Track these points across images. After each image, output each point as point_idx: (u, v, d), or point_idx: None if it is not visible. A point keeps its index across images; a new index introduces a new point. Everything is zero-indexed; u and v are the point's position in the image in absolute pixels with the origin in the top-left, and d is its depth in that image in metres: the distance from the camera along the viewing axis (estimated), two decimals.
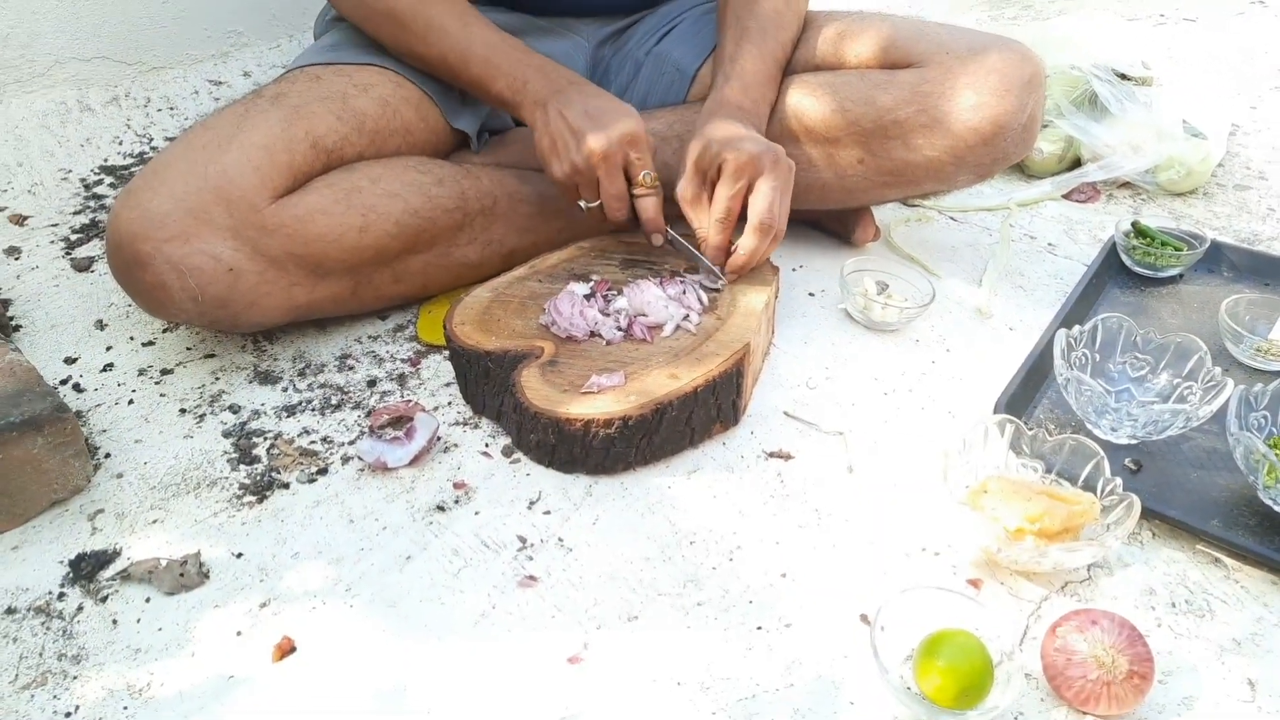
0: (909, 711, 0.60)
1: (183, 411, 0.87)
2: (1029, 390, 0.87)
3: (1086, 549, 0.66)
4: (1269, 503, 0.73)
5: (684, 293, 0.90)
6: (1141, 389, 0.86)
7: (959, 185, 1.02)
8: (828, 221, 1.15)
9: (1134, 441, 0.81)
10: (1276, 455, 0.73)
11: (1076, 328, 0.86)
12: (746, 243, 0.89)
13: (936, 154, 0.96)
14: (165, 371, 0.92)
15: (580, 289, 0.91)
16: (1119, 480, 0.71)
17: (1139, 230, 1.09)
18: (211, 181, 0.81)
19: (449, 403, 0.88)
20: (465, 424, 0.86)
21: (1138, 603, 0.68)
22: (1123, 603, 0.68)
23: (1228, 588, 0.69)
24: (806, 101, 0.99)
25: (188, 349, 0.95)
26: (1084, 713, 0.59)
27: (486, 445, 0.83)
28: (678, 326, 0.87)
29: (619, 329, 0.86)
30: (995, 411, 0.82)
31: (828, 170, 1.01)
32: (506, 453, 0.82)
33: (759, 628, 0.66)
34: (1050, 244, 1.17)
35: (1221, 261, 1.09)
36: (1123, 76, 1.41)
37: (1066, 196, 1.30)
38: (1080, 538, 0.69)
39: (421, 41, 0.94)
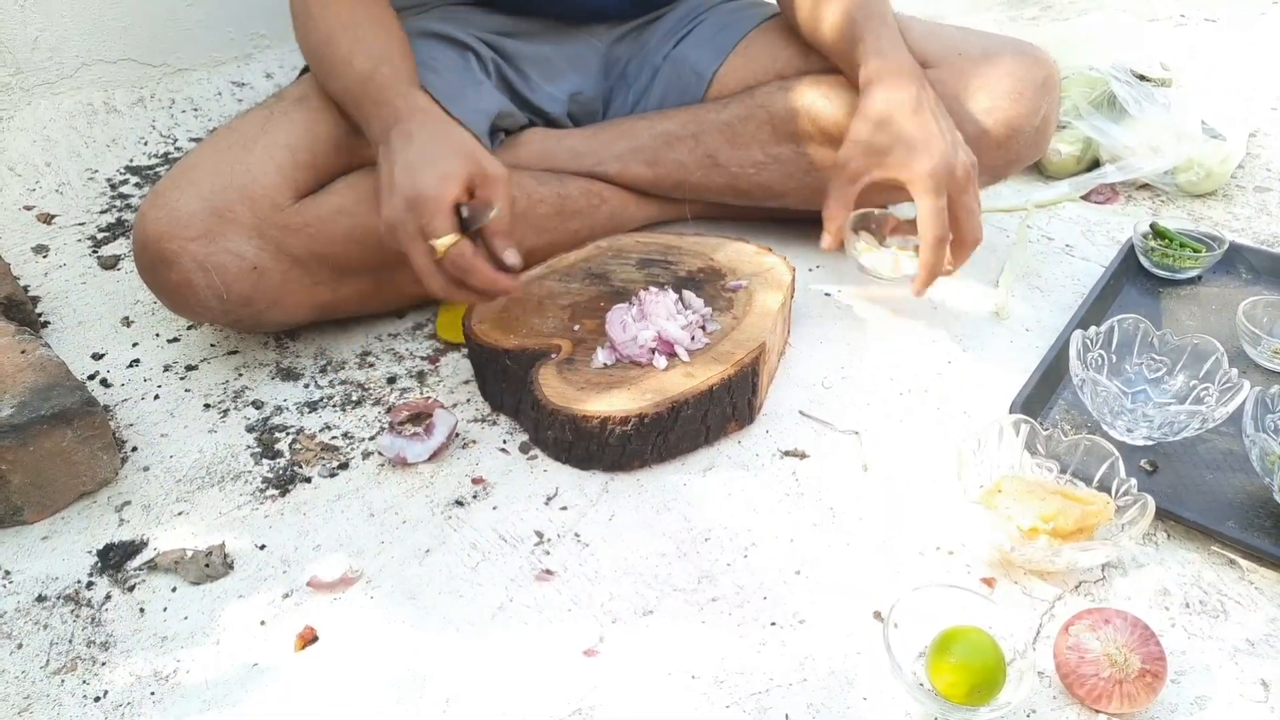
0: (921, 707, 0.61)
1: (207, 407, 0.88)
2: (1045, 391, 0.87)
3: (1100, 548, 0.67)
4: None
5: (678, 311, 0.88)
6: (1158, 390, 0.86)
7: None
8: None
9: (1150, 443, 0.81)
10: None
11: (1093, 329, 0.86)
12: (958, 259, 0.89)
13: None
14: (190, 368, 0.93)
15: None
16: (1134, 481, 0.71)
17: (1157, 231, 1.09)
18: (236, 181, 0.83)
19: (467, 400, 0.89)
20: (483, 421, 0.87)
21: (1152, 603, 0.68)
22: (1137, 603, 0.68)
23: (1242, 589, 0.69)
24: (821, 103, 0.99)
25: (211, 345, 0.96)
26: (1096, 710, 0.60)
27: (504, 442, 0.84)
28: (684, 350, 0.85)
29: (662, 354, 0.84)
30: (1011, 412, 0.82)
31: None
32: (524, 449, 0.83)
33: (773, 624, 0.67)
34: (1068, 245, 1.17)
35: (1240, 263, 1.08)
36: (1141, 77, 1.40)
37: (1085, 198, 1.30)
38: (1094, 537, 0.69)
39: (325, 80, 0.90)
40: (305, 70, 1.01)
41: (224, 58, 1.49)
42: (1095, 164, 1.34)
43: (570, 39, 1.10)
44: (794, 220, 1.18)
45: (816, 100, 0.99)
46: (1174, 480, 0.78)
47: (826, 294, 1.05)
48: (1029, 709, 0.61)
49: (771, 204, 1.09)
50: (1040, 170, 1.36)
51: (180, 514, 0.77)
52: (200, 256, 0.81)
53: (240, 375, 0.92)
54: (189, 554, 0.72)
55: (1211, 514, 0.74)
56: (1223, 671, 0.63)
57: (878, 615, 0.68)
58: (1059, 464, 0.76)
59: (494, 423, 0.86)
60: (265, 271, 0.84)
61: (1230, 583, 0.70)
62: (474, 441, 0.84)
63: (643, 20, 1.13)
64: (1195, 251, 1.06)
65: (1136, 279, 1.07)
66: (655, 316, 0.86)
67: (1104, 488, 0.73)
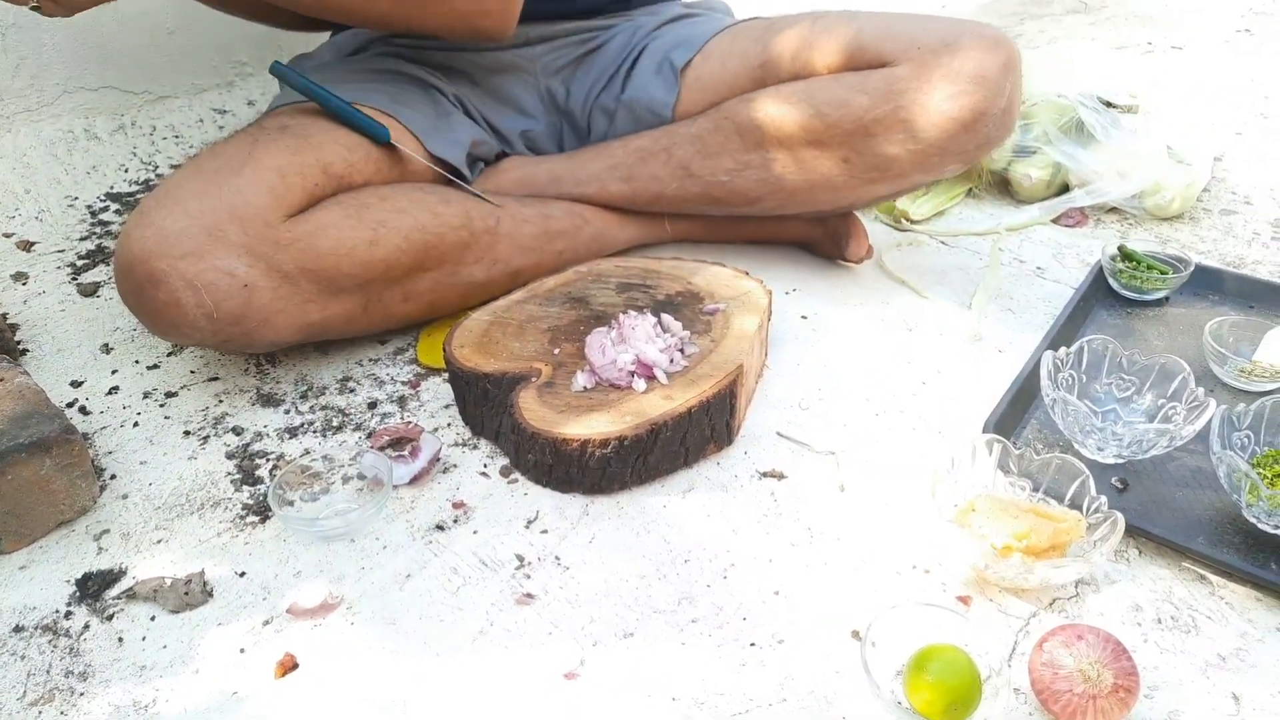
0: None
1: (187, 434, 0.88)
2: (1017, 411, 0.89)
3: (1072, 566, 0.68)
4: (1253, 520, 0.74)
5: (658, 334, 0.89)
6: (1127, 409, 0.88)
7: (946, 174, 1.02)
8: (820, 243, 1.17)
9: (1120, 461, 0.82)
10: (1258, 474, 0.74)
11: (1063, 349, 0.88)
12: None
13: (920, 147, 0.96)
14: (170, 394, 0.93)
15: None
16: (1104, 498, 0.73)
17: (1125, 254, 1.12)
18: (226, 201, 0.83)
19: (448, 424, 0.90)
20: (464, 445, 0.87)
21: (1124, 619, 0.69)
22: (1110, 619, 0.69)
23: (1213, 604, 0.70)
24: (783, 110, 1.00)
25: (191, 372, 0.96)
26: None
27: (485, 466, 0.84)
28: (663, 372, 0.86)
29: (641, 377, 0.85)
30: (984, 431, 0.84)
31: (813, 173, 1.02)
32: (504, 473, 0.84)
33: (752, 644, 0.68)
34: (1039, 267, 1.20)
35: (1206, 284, 1.10)
36: (1108, 104, 1.44)
37: (1055, 221, 1.33)
38: (1067, 555, 0.70)
39: None
40: (279, 102, 1.02)
41: (205, 85, 1.50)
42: (1065, 188, 1.37)
43: (501, 79, 1.12)
44: (772, 243, 1.20)
45: (778, 110, 1.00)
46: (1144, 497, 0.80)
47: (803, 316, 1.07)
48: None
49: (747, 210, 1.10)
50: (1011, 195, 1.39)
51: (159, 542, 0.76)
52: (190, 274, 0.81)
53: (220, 401, 0.92)
54: (168, 582, 0.72)
55: (1182, 530, 0.75)
56: (1194, 686, 0.64)
57: (856, 634, 0.68)
58: (1031, 482, 0.77)
59: (475, 447, 0.87)
60: (256, 289, 0.84)
61: (1201, 598, 0.71)
62: (455, 466, 0.84)
63: (579, 52, 1.13)
64: (1162, 273, 1.08)
65: (1106, 300, 1.09)
66: (634, 340, 0.87)
67: (1075, 505, 0.75)
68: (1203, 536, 0.75)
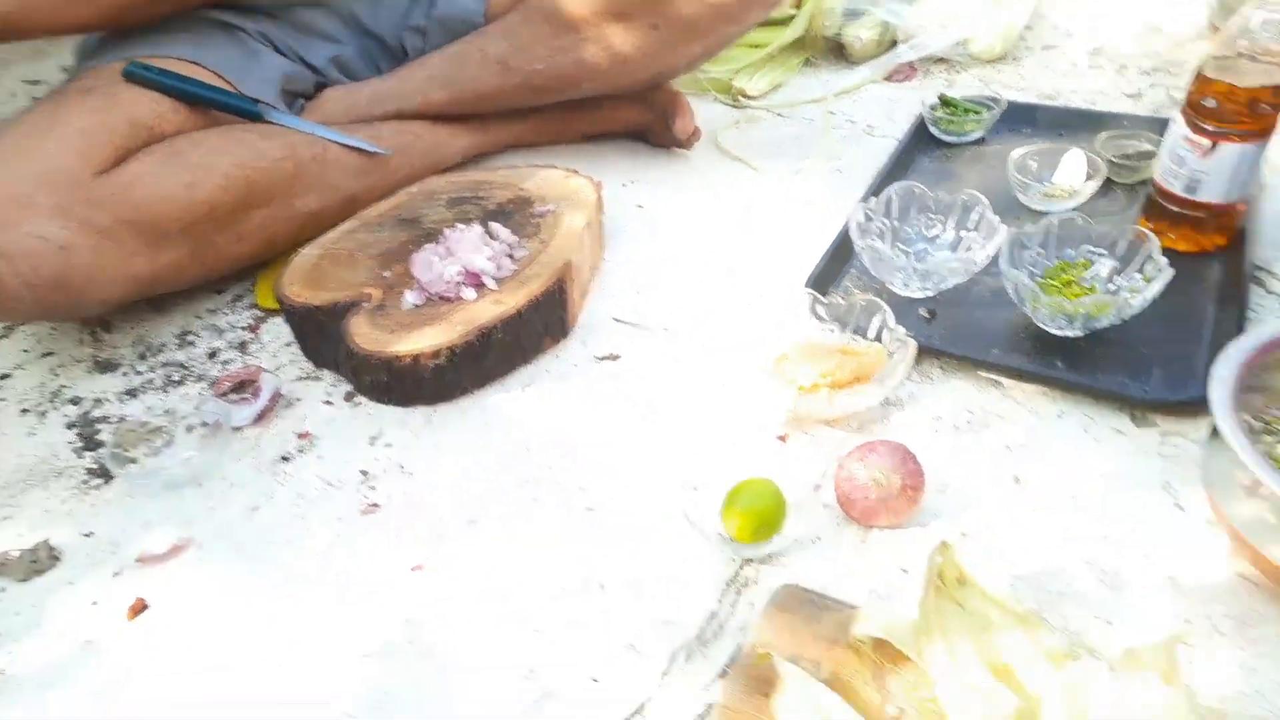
0: (723, 554, 0.66)
1: (24, 412, 0.87)
2: (836, 265, 0.93)
3: (870, 390, 0.73)
4: (1040, 325, 0.80)
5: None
6: (935, 246, 0.92)
7: (754, 19, 1.07)
8: (652, 129, 1.18)
9: (929, 294, 0.87)
10: (1042, 284, 0.80)
11: (872, 199, 0.92)
12: None
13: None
14: (3, 376, 0.92)
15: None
16: (902, 328, 0.77)
17: (945, 101, 1.15)
18: (30, 169, 0.81)
19: (291, 361, 0.90)
20: (308, 379, 0.88)
21: (928, 429, 0.75)
22: (914, 430, 0.74)
23: (1005, 405, 0.76)
24: None
25: (24, 351, 0.95)
26: (870, 526, 0.66)
27: (329, 394, 0.86)
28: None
29: (469, 286, 0.87)
30: (806, 287, 0.88)
31: (625, 45, 1.04)
32: (348, 398, 0.85)
33: (589, 509, 0.71)
34: (869, 126, 1.23)
35: (1020, 120, 1.15)
36: None
37: (887, 79, 1.36)
38: (872, 383, 0.75)
39: None
40: (85, 66, 0.99)
41: (13, 57, 1.43)
42: (895, 45, 1.40)
43: (301, 11, 1.09)
44: (606, 138, 1.21)
45: None
46: (950, 323, 0.85)
47: (639, 206, 1.08)
48: (815, 536, 0.67)
49: (573, 93, 1.11)
50: (846, 59, 1.41)
51: (6, 519, 0.77)
52: (1, 246, 0.79)
53: (56, 375, 0.91)
54: (15, 555, 0.72)
55: (979, 346, 0.81)
56: (983, 474, 0.70)
57: (686, 486, 0.73)
58: (840, 325, 0.81)
59: (318, 379, 0.88)
60: (74, 249, 0.82)
61: (994, 401, 0.77)
62: (299, 400, 0.86)
63: None
64: (976, 115, 1.13)
65: (928, 148, 1.13)
66: (460, 251, 0.88)
67: (881, 340, 0.79)
68: (997, 348, 0.80)
